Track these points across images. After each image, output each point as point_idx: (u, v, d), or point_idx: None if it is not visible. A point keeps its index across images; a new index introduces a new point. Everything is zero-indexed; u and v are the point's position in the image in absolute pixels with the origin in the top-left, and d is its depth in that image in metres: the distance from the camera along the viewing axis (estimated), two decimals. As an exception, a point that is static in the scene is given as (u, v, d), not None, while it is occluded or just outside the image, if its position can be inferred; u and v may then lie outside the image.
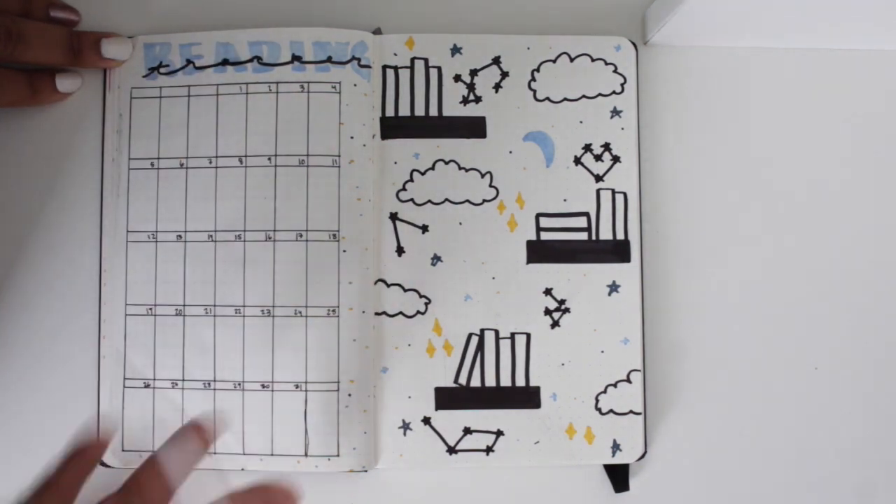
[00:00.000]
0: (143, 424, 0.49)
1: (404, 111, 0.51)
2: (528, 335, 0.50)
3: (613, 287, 0.50)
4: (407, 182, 0.50)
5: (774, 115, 0.52)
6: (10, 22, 0.46)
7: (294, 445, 0.48)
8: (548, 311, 0.50)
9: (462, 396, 0.50)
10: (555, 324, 0.50)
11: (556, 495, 0.50)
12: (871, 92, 0.53)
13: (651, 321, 0.51)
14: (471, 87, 0.51)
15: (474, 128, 0.51)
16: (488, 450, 0.49)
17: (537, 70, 0.51)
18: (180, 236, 0.49)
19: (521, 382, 0.50)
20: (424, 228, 0.50)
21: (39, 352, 0.50)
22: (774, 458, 0.51)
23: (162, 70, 0.50)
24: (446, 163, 0.50)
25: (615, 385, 0.50)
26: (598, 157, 0.51)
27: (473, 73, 0.51)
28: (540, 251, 0.50)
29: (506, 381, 0.50)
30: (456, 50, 0.51)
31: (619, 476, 0.50)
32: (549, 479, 0.50)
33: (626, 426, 0.50)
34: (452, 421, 0.49)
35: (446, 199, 0.50)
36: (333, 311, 0.49)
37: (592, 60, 0.51)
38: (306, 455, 0.48)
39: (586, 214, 0.50)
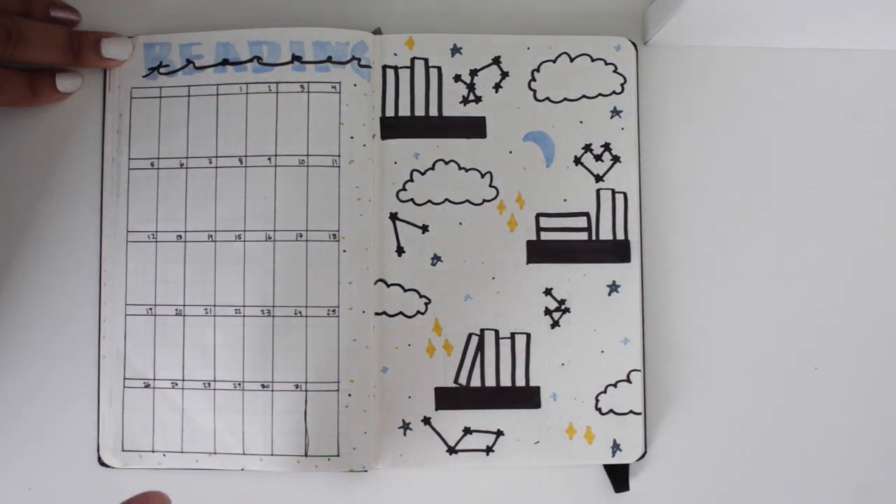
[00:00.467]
0: (143, 424, 0.49)
1: (404, 111, 0.51)
2: (528, 335, 0.50)
3: (613, 287, 0.50)
4: (407, 182, 0.50)
5: (774, 114, 0.52)
6: (10, 22, 0.46)
7: (294, 445, 0.48)
8: (548, 311, 0.50)
9: (462, 396, 0.50)
10: (555, 324, 0.50)
11: (556, 495, 0.50)
12: (871, 92, 0.53)
13: (651, 321, 0.51)
14: (471, 87, 0.51)
15: (474, 128, 0.51)
16: (488, 450, 0.49)
17: (537, 70, 0.51)
18: (180, 236, 0.49)
19: (521, 382, 0.50)
20: (424, 228, 0.50)
21: (39, 352, 0.50)
22: (774, 457, 0.51)
23: (162, 70, 0.50)
24: (446, 163, 0.50)
25: (615, 385, 0.50)
26: (598, 157, 0.51)
27: (473, 73, 0.51)
28: (540, 251, 0.50)
29: (506, 381, 0.50)
30: (456, 50, 0.51)
31: (619, 476, 0.50)
32: (549, 479, 0.50)
33: (626, 426, 0.50)
34: (452, 421, 0.49)
35: (446, 199, 0.50)
36: (333, 311, 0.49)
37: (592, 60, 0.51)
38: (306, 455, 0.48)
39: (586, 214, 0.50)
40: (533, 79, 0.51)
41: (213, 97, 0.50)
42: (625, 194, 0.50)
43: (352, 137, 0.49)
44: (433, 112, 0.51)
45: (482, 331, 0.50)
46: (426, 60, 0.51)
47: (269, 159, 0.49)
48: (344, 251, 0.49)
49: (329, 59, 0.50)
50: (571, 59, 0.51)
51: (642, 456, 0.50)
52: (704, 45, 0.52)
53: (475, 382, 0.50)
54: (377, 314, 0.50)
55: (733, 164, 0.52)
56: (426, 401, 0.49)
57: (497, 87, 0.51)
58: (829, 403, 0.51)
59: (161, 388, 0.49)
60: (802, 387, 0.51)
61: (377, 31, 0.51)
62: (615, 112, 0.51)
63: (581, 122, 0.51)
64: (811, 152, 0.52)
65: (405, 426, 0.49)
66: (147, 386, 0.49)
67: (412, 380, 0.49)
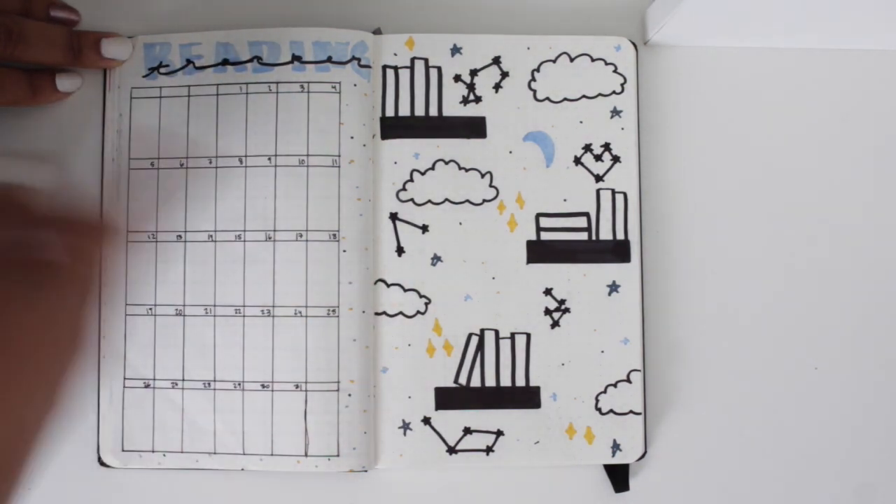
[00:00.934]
0: (143, 424, 0.49)
1: (404, 111, 0.51)
2: (528, 335, 0.50)
3: (613, 287, 0.50)
4: (407, 182, 0.50)
5: (774, 114, 0.52)
6: (10, 21, 0.46)
7: (294, 445, 0.48)
8: (548, 311, 0.50)
9: (462, 396, 0.50)
10: (555, 324, 0.50)
11: (556, 495, 0.50)
12: (871, 92, 0.53)
13: (651, 321, 0.51)
14: (471, 87, 0.51)
15: (474, 128, 0.51)
16: (488, 450, 0.49)
17: (537, 70, 0.51)
18: (180, 236, 0.49)
19: (521, 382, 0.50)
20: (424, 228, 0.50)
21: (39, 352, 0.50)
22: (774, 458, 0.51)
23: (162, 70, 0.50)
24: (446, 163, 0.50)
25: (615, 385, 0.50)
26: (598, 157, 0.51)
27: (473, 73, 0.51)
28: (540, 251, 0.50)
29: (506, 381, 0.50)
30: (456, 50, 0.51)
31: (619, 476, 0.50)
32: (549, 479, 0.50)
33: (626, 426, 0.49)
34: (452, 421, 0.49)
35: (446, 199, 0.50)
36: (333, 311, 0.49)
37: (592, 60, 0.51)
38: (306, 455, 0.48)
39: (586, 214, 0.50)
40: (533, 79, 0.51)
41: (213, 97, 0.50)
42: (625, 194, 0.50)
43: (352, 137, 0.49)
44: (433, 112, 0.51)
45: (482, 331, 0.50)
46: (426, 60, 0.51)
47: (269, 159, 0.49)
48: (344, 251, 0.49)
49: (329, 59, 0.50)
50: (571, 60, 0.51)
51: (642, 456, 0.50)
52: (704, 45, 0.52)
53: (475, 382, 0.50)
54: (377, 314, 0.50)
55: (733, 165, 0.52)
56: (426, 401, 0.49)
57: (497, 87, 0.51)
58: (829, 403, 0.51)
59: (161, 388, 0.49)
60: (802, 387, 0.51)
61: (377, 31, 0.51)
62: (615, 112, 0.51)
63: (581, 122, 0.51)
64: (811, 152, 0.52)
65: (405, 426, 0.49)
66: (147, 386, 0.49)
67: (412, 380, 0.49)
